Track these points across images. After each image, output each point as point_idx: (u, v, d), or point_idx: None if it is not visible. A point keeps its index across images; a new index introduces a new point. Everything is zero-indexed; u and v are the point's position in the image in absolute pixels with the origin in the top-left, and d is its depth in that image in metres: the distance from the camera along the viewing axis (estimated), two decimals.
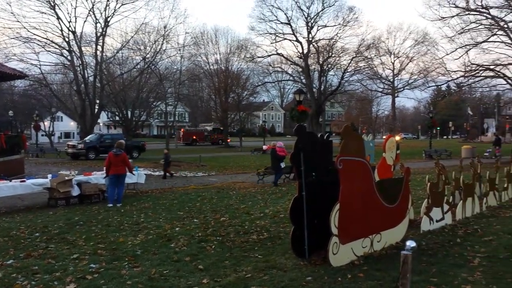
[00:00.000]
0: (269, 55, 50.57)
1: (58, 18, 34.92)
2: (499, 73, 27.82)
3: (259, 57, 50.49)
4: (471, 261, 6.15)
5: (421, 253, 6.48)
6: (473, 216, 9.50)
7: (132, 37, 39.60)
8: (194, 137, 59.46)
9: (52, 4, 34.34)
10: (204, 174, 22.44)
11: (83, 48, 37.27)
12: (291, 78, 55.95)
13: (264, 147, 37.12)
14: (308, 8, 48.81)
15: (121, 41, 40.08)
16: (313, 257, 6.34)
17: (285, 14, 49.07)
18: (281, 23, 49.07)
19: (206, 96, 65.69)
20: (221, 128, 57.41)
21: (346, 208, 6.01)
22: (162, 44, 39.69)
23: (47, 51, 35.43)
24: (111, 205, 12.03)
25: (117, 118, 45.77)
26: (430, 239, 7.49)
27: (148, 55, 39.96)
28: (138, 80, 41.88)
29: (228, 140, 55.66)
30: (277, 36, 49.42)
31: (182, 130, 60.93)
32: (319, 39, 50.24)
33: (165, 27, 39.59)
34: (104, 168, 12.67)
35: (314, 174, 6.49)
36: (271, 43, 49.69)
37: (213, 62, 53.86)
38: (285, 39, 49.95)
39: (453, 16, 29.03)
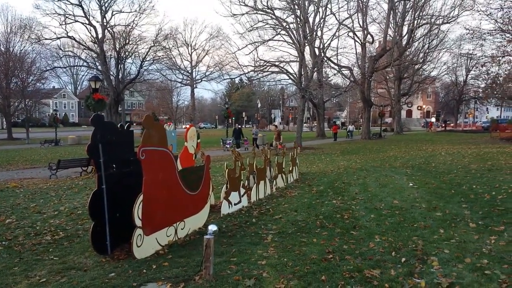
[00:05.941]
0: (58, 38, 45.85)
1: None
2: (283, 69, 31.04)
3: (46, 39, 45.27)
4: (265, 238, 6.78)
5: (222, 236, 6.87)
6: (265, 197, 10.55)
7: None
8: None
9: None
10: None
11: None
12: (85, 63, 51.90)
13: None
14: None
15: None
16: (116, 252, 6.11)
17: None
18: (72, 4, 45.02)
19: None
20: None
21: (149, 198, 5.92)
22: None
23: None
24: None
25: None
26: (230, 222, 8.00)
27: None
28: None
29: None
30: (67, 17, 45.03)
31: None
32: (115, 25, 48.05)
33: None
34: None
35: (115, 166, 6.25)
36: (60, 24, 45.16)
37: None
38: (77, 21, 46.03)
39: (243, 14, 31.19)
